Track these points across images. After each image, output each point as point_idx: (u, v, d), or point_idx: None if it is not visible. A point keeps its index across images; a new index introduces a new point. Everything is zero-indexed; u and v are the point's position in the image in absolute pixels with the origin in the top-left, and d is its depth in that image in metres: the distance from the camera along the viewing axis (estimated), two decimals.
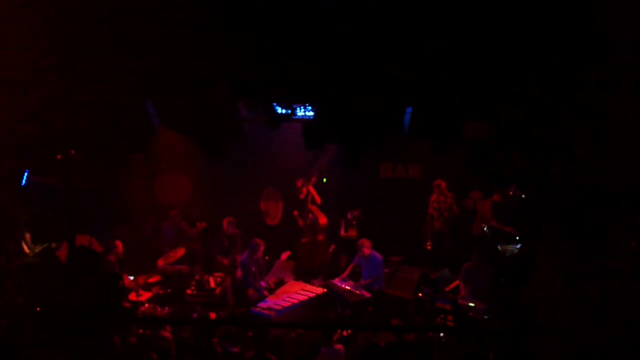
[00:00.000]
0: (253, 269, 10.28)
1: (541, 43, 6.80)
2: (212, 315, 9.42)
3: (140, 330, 8.00)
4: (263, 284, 10.27)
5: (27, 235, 9.86)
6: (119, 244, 10.12)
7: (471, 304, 9.09)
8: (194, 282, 10.37)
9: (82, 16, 6.88)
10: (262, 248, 10.53)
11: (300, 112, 8.80)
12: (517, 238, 10.47)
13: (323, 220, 11.79)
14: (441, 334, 7.70)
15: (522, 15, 6.52)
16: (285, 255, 10.81)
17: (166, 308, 9.77)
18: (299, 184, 11.86)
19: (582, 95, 7.09)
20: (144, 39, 7.06)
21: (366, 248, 10.22)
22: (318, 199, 11.88)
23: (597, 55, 6.54)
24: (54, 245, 9.70)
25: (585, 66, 6.83)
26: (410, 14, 6.74)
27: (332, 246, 11.72)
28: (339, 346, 7.41)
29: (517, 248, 10.35)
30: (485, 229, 10.87)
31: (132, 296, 9.75)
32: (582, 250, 8.16)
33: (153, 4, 6.82)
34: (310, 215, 11.80)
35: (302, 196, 11.86)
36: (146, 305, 9.69)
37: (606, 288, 7.67)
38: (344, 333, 8.07)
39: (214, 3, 6.83)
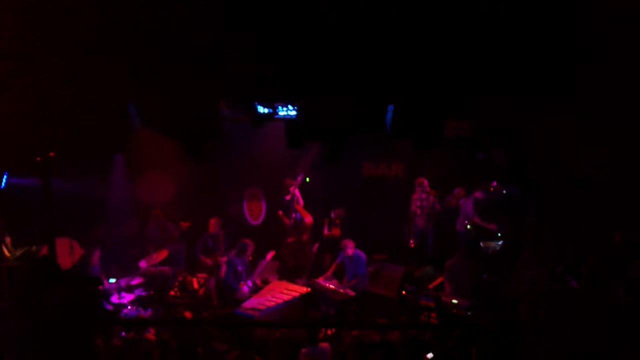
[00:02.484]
0: (239, 268, 10.23)
1: (523, 41, 6.85)
2: (188, 315, 9.38)
3: (124, 333, 7.95)
4: (250, 283, 10.21)
5: (8, 239, 9.74)
6: (97, 253, 10.05)
7: (454, 301, 9.13)
8: (177, 284, 10.31)
9: (62, 16, 6.82)
10: (251, 249, 10.48)
11: (282, 112, 8.78)
12: (500, 235, 10.56)
13: (308, 219, 11.78)
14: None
15: (503, 13, 6.57)
16: (270, 255, 10.78)
17: (149, 310, 9.71)
18: (288, 183, 11.83)
19: (562, 91, 7.16)
20: (125, 39, 7.01)
21: (350, 248, 10.24)
22: (301, 201, 11.87)
23: (582, 54, 6.61)
24: (34, 248, 9.59)
25: (567, 65, 6.90)
26: (391, 13, 6.76)
27: (316, 245, 11.71)
28: (325, 344, 7.41)
29: (499, 245, 10.44)
30: (468, 226, 10.93)
31: (115, 298, 9.67)
32: (564, 246, 8.24)
33: (135, 5, 6.78)
34: (294, 215, 11.79)
35: (288, 197, 11.83)
36: (129, 307, 9.61)
37: (588, 283, 7.76)
38: (329, 332, 8.08)
39: (197, 5, 6.80)
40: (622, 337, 5.93)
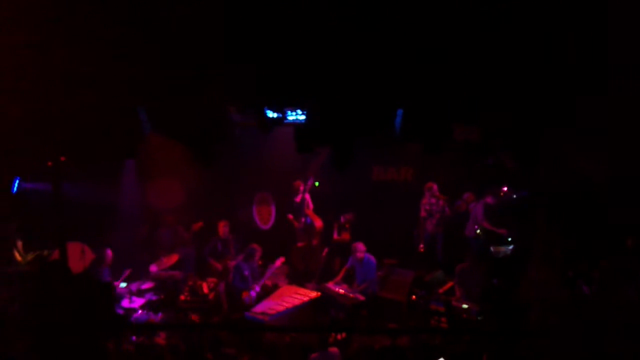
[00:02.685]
0: (246, 273, 10.24)
1: (530, 48, 6.84)
2: (195, 319, 9.43)
3: (134, 338, 7.98)
4: (257, 288, 10.21)
5: (19, 243, 9.80)
6: (109, 252, 10.10)
7: (465, 306, 9.11)
8: (187, 288, 10.33)
9: (72, 23, 6.86)
10: (259, 254, 10.50)
11: (291, 116, 8.80)
12: (510, 239, 10.52)
13: (319, 223, 11.78)
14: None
15: (512, 20, 6.56)
16: (279, 262, 10.79)
17: (159, 314, 9.74)
18: (299, 186, 11.85)
19: (567, 99, 7.14)
20: (134, 44, 7.05)
21: (360, 252, 10.22)
22: (311, 205, 11.88)
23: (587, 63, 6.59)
24: (45, 252, 9.64)
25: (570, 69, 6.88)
26: (401, 17, 6.76)
27: (326, 250, 11.71)
28: (334, 349, 7.40)
29: (509, 249, 10.40)
30: (477, 230, 10.91)
31: (125, 303, 9.70)
32: (575, 251, 8.20)
33: (143, 10, 6.82)
34: (303, 219, 11.80)
35: (298, 199, 11.85)
36: (139, 311, 9.65)
37: (599, 288, 7.71)
38: (338, 336, 8.07)
39: (204, 9, 6.83)
40: (634, 342, 5.89)
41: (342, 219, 11.74)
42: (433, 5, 6.67)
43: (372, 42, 6.99)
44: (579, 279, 8.10)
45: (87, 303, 6.43)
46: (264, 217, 13.16)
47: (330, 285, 10.30)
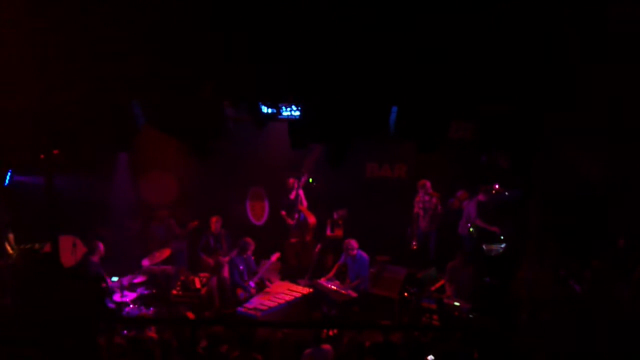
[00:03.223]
0: (241, 267, 10.23)
1: (525, 44, 6.85)
2: (191, 316, 9.41)
3: (126, 331, 7.96)
4: (252, 283, 10.21)
5: (11, 236, 9.77)
6: (100, 245, 10.05)
7: (456, 303, 9.13)
8: (179, 283, 10.31)
9: (67, 17, 6.84)
10: (252, 247, 10.48)
11: (286, 112, 8.79)
12: (502, 237, 10.55)
13: (312, 220, 11.77)
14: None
15: (508, 17, 6.57)
16: (275, 257, 10.78)
17: (151, 309, 9.71)
18: (292, 183, 11.84)
19: (563, 96, 7.16)
20: (129, 39, 7.03)
21: (352, 249, 10.22)
22: (305, 202, 11.87)
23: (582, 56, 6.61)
24: (37, 246, 9.61)
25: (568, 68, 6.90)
26: (396, 15, 6.76)
27: (318, 246, 11.71)
28: (327, 346, 7.40)
29: (501, 247, 10.43)
30: (470, 228, 10.93)
31: (117, 297, 9.68)
32: (567, 250, 8.23)
33: (139, 5, 6.80)
34: (297, 215, 11.79)
35: (292, 196, 11.84)
36: (131, 305, 9.62)
37: (590, 287, 7.74)
38: (330, 333, 8.07)
39: (200, 4, 6.81)
40: (624, 340, 5.92)
41: (335, 216, 11.73)
42: (428, 4, 6.68)
43: (367, 40, 6.99)
44: (570, 278, 8.13)
45: (78, 296, 6.42)
46: (257, 212, 13.13)
47: (323, 281, 10.30)
